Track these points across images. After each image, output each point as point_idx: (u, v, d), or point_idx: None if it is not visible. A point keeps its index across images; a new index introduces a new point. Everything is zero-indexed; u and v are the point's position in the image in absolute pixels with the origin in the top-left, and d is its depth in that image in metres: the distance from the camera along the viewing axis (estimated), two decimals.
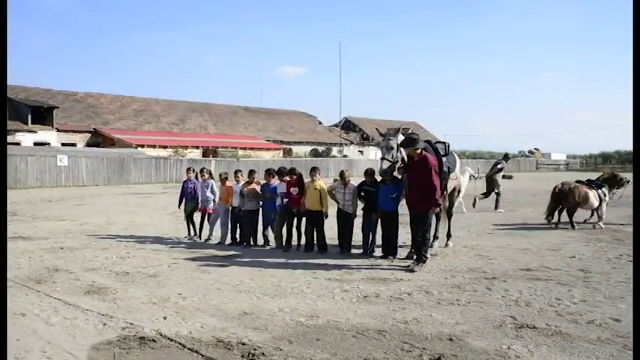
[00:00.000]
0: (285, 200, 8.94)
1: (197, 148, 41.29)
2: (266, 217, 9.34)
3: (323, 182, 8.90)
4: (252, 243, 9.42)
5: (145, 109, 47.81)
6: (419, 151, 7.40)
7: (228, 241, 9.63)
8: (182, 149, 38.96)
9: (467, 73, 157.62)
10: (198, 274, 7.01)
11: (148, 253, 8.55)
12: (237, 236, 9.60)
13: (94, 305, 5.50)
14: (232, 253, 8.65)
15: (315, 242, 8.74)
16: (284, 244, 8.98)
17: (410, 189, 7.59)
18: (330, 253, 8.50)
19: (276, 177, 9.28)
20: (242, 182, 9.64)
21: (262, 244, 9.32)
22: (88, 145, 38.45)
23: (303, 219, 8.96)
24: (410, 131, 8.28)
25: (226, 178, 9.95)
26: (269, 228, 9.31)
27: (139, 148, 36.41)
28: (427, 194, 7.27)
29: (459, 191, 9.82)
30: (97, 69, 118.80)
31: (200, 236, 10.21)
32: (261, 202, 9.43)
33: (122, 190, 25.07)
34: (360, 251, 8.48)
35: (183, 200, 10.46)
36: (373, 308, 5.42)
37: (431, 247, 8.15)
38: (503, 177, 41.56)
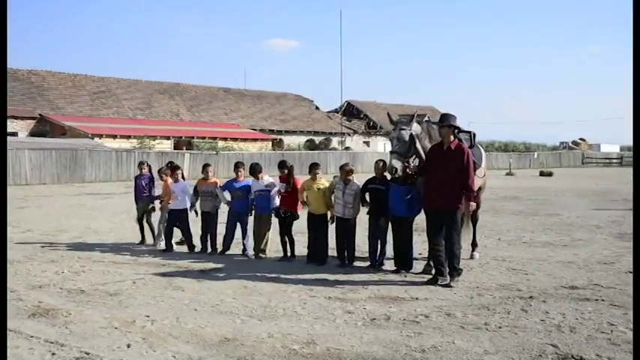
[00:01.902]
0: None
1: (167, 138, 41.25)
2: (232, 221, 9.53)
3: (326, 181, 8.95)
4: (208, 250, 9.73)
5: (102, 90, 47.70)
6: (452, 138, 7.41)
7: (163, 246, 10.05)
8: (149, 140, 38.90)
9: (495, 46, 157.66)
10: (169, 292, 7.02)
11: (107, 267, 8.56)
12: (174, 242, 10.04)
13: (41, 331, 5.49)
14: (211, 266, 8.67)
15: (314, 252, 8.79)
16: (261, 251, 9.26)
17: (433, 183, 7.52)
18: (330, 266, 8.52)
19: (242, 172, 9.63)
20: (181, 180, 10.03)
21: (217, 251, 9.58)
22: (33, 134, 38.35)
23: (296, 223, 9.07)
24: (427, 117, 8.33)
25: (171, 174, 10.21)
26: (234, 234, 9.57)
27: (96, 139, 36.32)
28: (459, 189, 7.32)
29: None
30: (44, 41, 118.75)
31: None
32: (221, 203, 9.74)
33: (75, 190, 25.07)
34: (367, 264, 8.51)
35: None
36: (382, 333, 5.43)
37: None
38: (541, 174, 40.99)
